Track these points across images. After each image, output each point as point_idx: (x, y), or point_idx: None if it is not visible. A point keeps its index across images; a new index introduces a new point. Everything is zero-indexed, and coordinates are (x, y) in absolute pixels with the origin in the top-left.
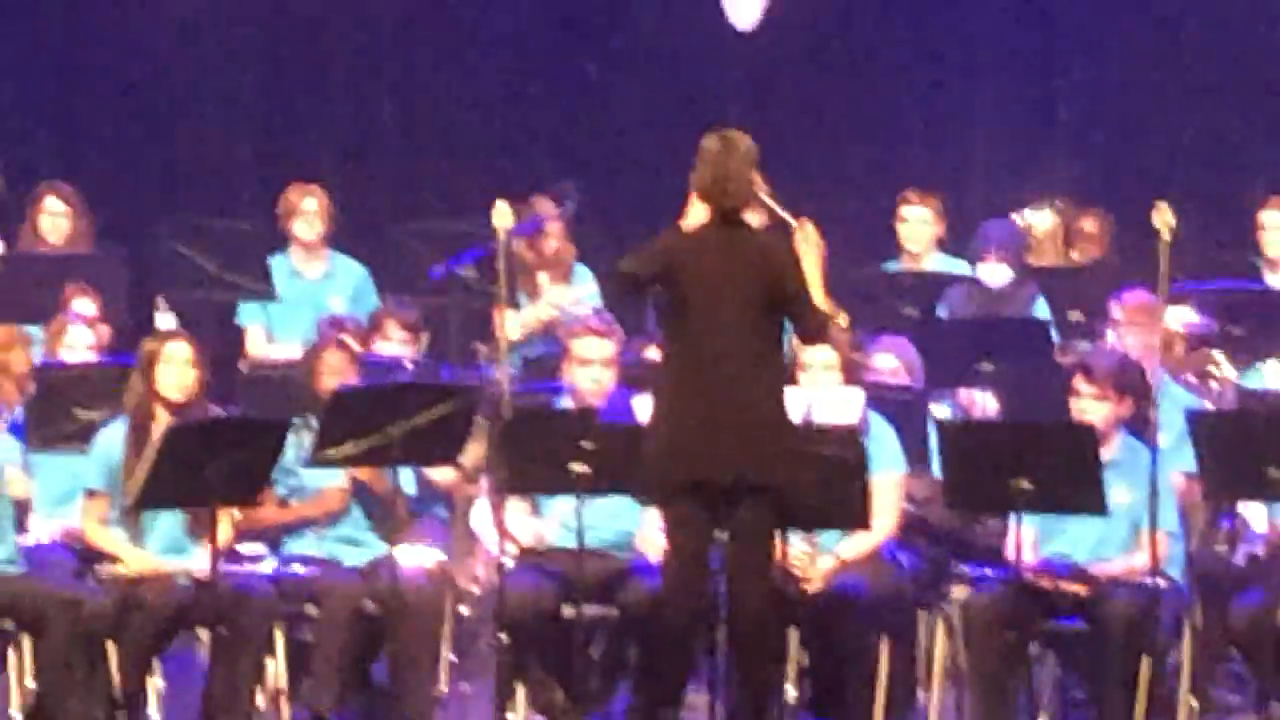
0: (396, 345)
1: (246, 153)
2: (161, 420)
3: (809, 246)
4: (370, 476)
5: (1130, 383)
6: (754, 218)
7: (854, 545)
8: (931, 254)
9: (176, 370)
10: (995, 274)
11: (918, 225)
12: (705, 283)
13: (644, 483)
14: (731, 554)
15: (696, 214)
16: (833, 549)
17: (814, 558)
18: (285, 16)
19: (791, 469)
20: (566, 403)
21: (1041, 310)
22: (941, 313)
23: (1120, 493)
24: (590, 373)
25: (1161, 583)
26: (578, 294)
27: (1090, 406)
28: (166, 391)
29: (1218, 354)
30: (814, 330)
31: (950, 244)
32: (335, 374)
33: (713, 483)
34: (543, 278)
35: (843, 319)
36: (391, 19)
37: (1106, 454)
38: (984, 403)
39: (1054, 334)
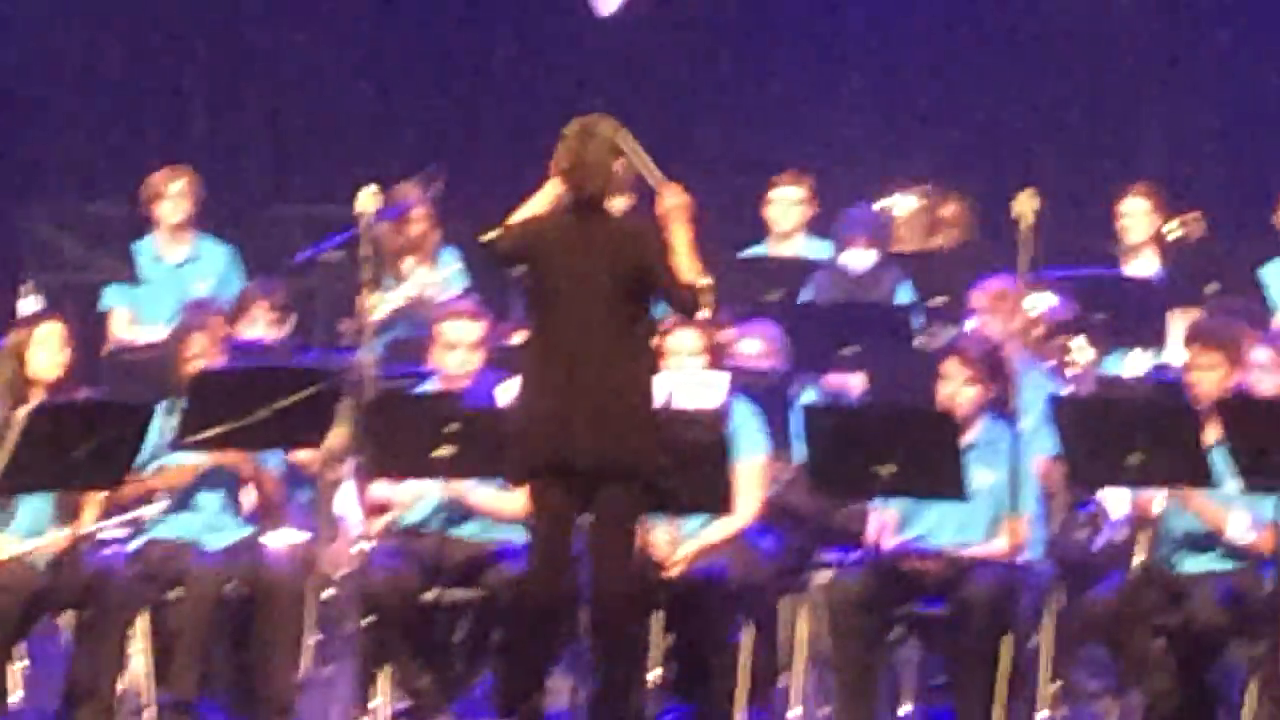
0: (263, 327)
1: (112, 136)
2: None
3: (676, 210)
4: (236, 460)
5: (996, 366)
6: (619, 202)
7: (717, 529)
8: (799, 237)
9: (48, 352)
10: (859, 259)
11: (787, 206)
12: (566, 268)
13: (507, 466)
14: (594, 538)
15: (546, 197)
16: (695, 533)
17: (676, 542)
18: (148, 4)
19: (654, 454)
20: (433, 386)
21: (905, 295)
22: (806, 297)
23: (983, 475)
24: (457, 356)
25: (1022, 565)
26: (443, 276)
27: (961, 390)
28: (41, 373)
29: (1078, 340)
30: (688, 303)
31: (814, 229)
32: (201, 356)
33: (574, 467)
34: (408, 262)
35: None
36: (256, 2)
37: (971, 437)
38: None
39: (916, 319)
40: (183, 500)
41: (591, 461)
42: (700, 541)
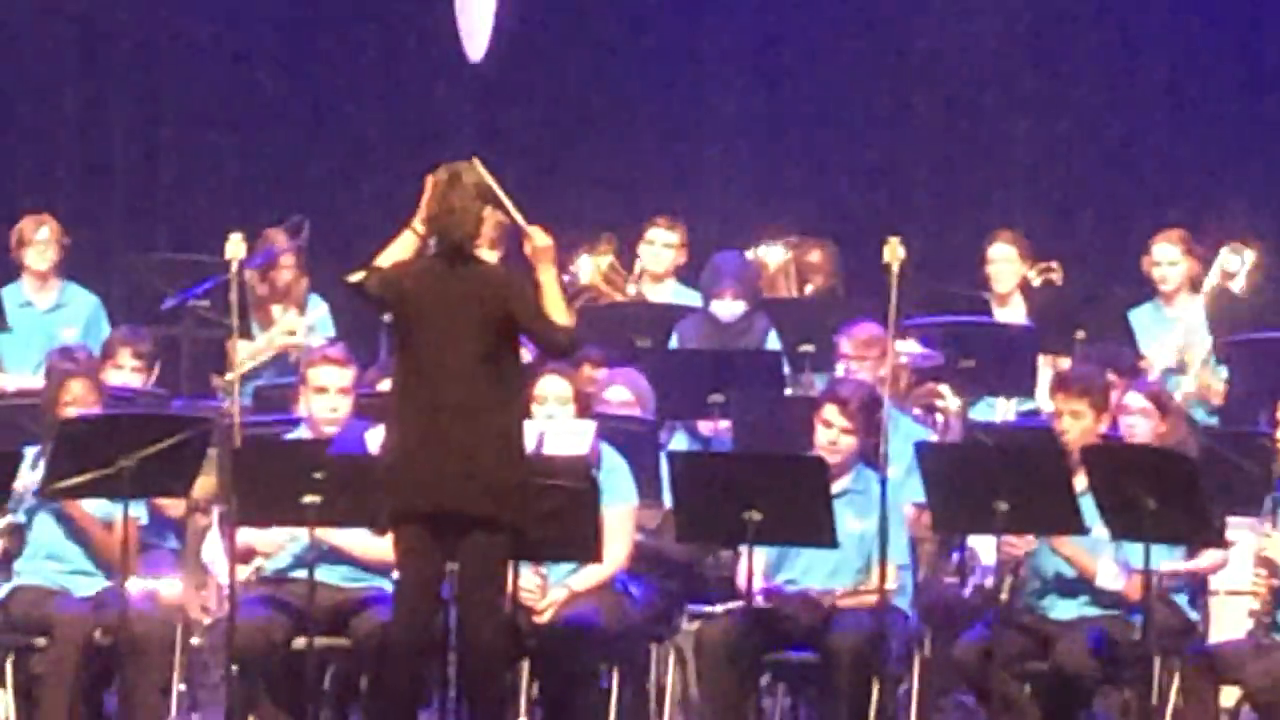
0: (128, 374)
1: None
2: None
3: (543, 252)
4: (81, 517)
5: (876, 417)
6: (489, 254)
7: (585, 577)
8: (670, 282)
9: None
10: (728, 308)
11: (660, 249)
12: (433, 315)
13: (375, 513)
14: (462, 584)
15: (408, 242)
16: (564, 580)
17: (544, 589)
18: (10, 42)
19: (521, 501)
20: (302, 433)
21: (773, 343)
22: (673, 345)
23: (853, 522)
24: (327, 401)
25: (891, 612)
26: (310, 322)
27: (839, 438)
28: None
29: (943, 387)
30: (558, 345)
31: (684, 277)
32: (78, 403)
33: (441, 514)
34: (276, 310)
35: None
36: (124, 49)
37: (843, 484)
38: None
39: (785, 366)
40: (48, 548)
41: (458, 508)
42: (569, 589)
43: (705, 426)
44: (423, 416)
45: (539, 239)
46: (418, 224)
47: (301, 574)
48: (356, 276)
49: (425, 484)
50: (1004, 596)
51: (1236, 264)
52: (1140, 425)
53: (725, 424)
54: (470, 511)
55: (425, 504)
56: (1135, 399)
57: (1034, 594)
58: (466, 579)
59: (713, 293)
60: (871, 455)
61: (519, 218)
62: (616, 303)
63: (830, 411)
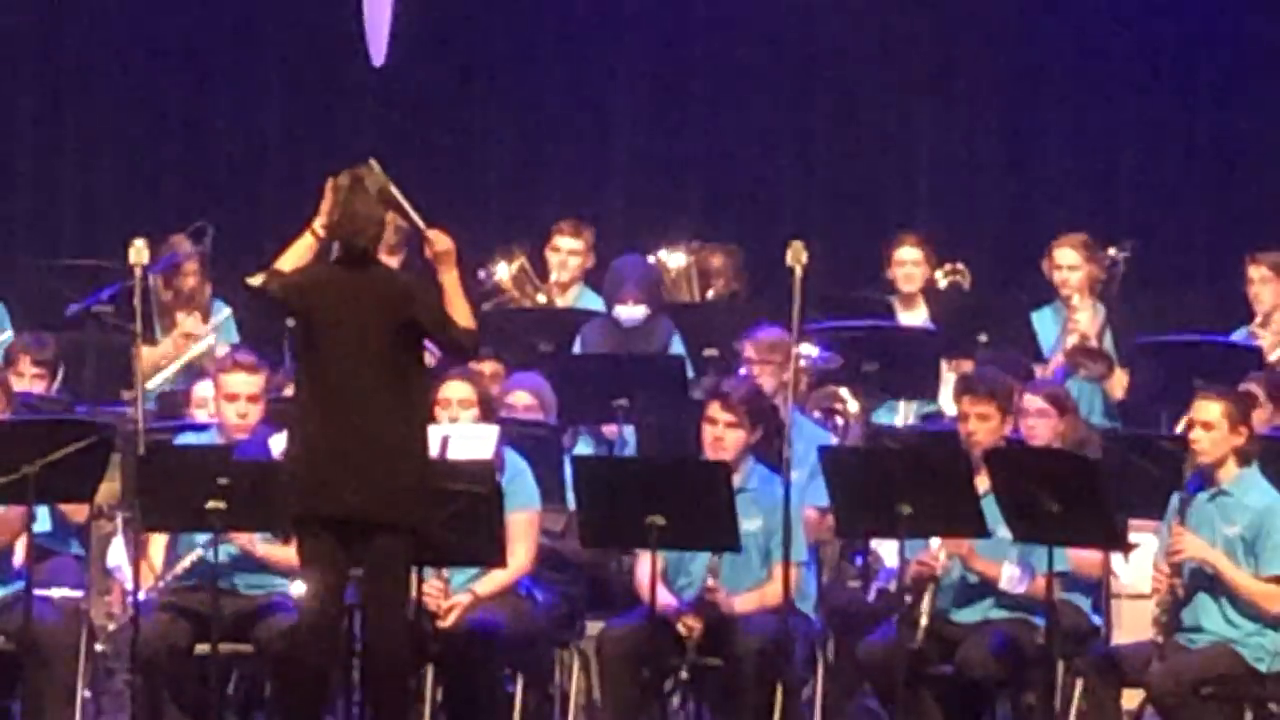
0: (29, 382)
1: None
2: None
3: (444, 255)
4: None
5: (761, 410)
6: (390, 259)
7: (489, 581)
8: (576, 288)
9: None
10: (631, 312)
11: (565, 256)
12: (335, 319)
13: (278, 518)
14: (366, 590)
15: (306, 246)
16: (468, 585)
17: (446, 593)
18: None
19: (424, 505)
20: (210, 438)
21: (677, 348)
22: (577, 349)
23: (751, 520)
24: (237, 408)
25: (795, 616)
26: (213, 325)
27: (725, 434)
28: None
29: (844, 390)
30: (458, 348)
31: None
32: None
33: (343, 518)
34: (180, 315)
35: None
36: (26, 54)
37: (737, 481)
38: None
39: (689, 370)
40: None
41: (360, 512)
42: (473, 593)
43: (609, 430)
44: (325, 421)
45: (440, 243)
46: (318, 227)
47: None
48: (257, 280)
49: (328, 489)
50: (924, 622)
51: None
52: (1040, 426)
53: (629, 428)
54: (373, 516)
55: (328, 509)
56: (1032, 400)
57: (941, 600)
58: (370, 583)
59: (615, 298)
60: (770, 455)
61: (419, 221)
62: (520, 308)
63: (713, 408)
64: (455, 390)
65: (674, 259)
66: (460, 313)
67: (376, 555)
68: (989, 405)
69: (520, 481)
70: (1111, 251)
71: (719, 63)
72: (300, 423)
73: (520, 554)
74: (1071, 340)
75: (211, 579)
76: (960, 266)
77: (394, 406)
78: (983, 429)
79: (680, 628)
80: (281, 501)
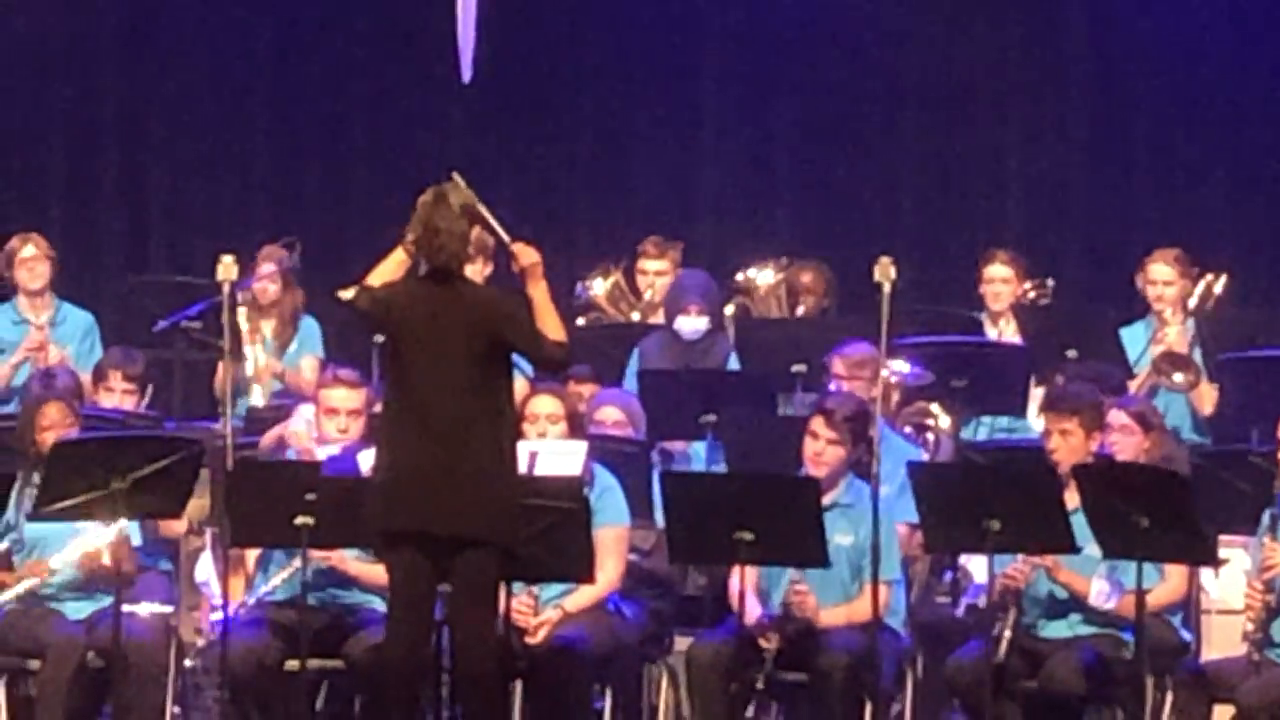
0: (119, 397)
1: None
2: None
3: (532, 269)
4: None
5: (863, 429)
6: (482, 270)
7: (578, 597)
8: None
9: None
10: (692, 325)
11: (653, 278)
12: (423, 336)
13: (366, 534)
14: (453, 606)
15: (395, 263)
16: (557, 600)
17: (536, 609)
18: (2, 64)
19: (512, 521)
20: (294, 454)
21: (734, 363)
22: (634, 363)
23: (843, 535)
24: (337, 423)
25: (884, 631)
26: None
27: (826, 450)
28: None
29: (934, 406)
30: (551, 362)
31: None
32: (55, 427)
33: (431, 535)
34: (267, 330)
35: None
36: (115, 72)
37: (832, 497)
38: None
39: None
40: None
41: (449, 530)
42: (562, 609)
43: (674, 446)
44: (413, 438)
45: (526, 256)
46: (409, 242)
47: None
48: (348, 293)
49: (416, 506)
50: (1008, 633)
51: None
52: (1124, 443)
53: (700, 444)
54: (462, 533)
55: (416, 526)
56: (1118, 416)
57: (1027, 614)
58: (458, 600)
59: (678, 309)
60: (861, 472)
61: (505, 235)
62: (611, 324)
63: (817, 423)
64: (543, 405)
65: (763, 276)
66: (550, 326)
67: (465, 572)
68: (1072, 422)
69: (609, 497)
70: (1208, 278)
71: (806, 79)
72: (388, 440)
73: (609, 569)
74: (1158, 350)
75: (301, 594)
76: (1048, 282)
77: (482, 423)
78: (1066, 445)
79: (760, 641)
80: (370, 519)
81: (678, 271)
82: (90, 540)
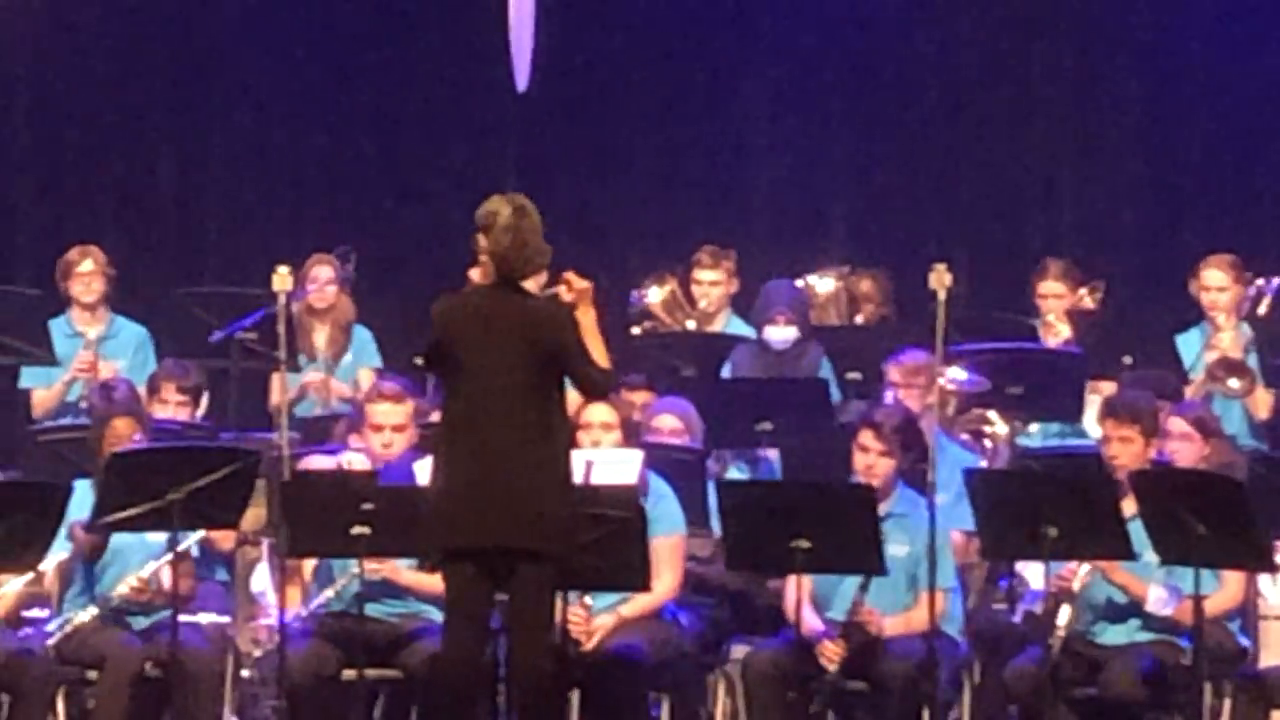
0: (173, 409)
1: (25, 219)
2: None
3: (583, 294)
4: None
5: (912, 438)
6: (530, 283)
7: (634, 605)
8: (723, 315)
9: None
10: (780, 335)
11: (707, 288)
12: (478, 346)
13: (421, 546)
14: (511, 616)
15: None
16: (613, 606)
17: (589, 620)
18: (58, 79)
19: (569, 532)
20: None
21: (826, 370)
22: (727, 374)
23: (897, 546)
24: (381, 438)
25: (941, 638)
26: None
27: (877, 461)
28: None
29: (991, 413)
30: (594, 385)
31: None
32: (122, 441)
33: (487, 546)
34: (321, 340)
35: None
36: (169, 83)
37: (885, 507)
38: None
39: (835, 393)
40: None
41: (504, 541)
42: (618, 614)
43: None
44: (470, 450)
45: (577, 283)
46: (489, 253)
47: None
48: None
49: (474, 520)
50: (1061, 633)
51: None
52: (1183, 449)
53: (773, 451)
54: (519, 545)
55: (471, 539)
56: (1177, 423)
57: (1085, 620)
58: (516, 611)
59: (765, 319)
60: (916, 479)
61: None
62: (668, 332)
63: (866, 436)
64: (598, 414)
65: (823, 284)
66: (598, 352)
67: (522, 583)
68: (1132, 429)
69: (664, 506)
70: (1259, 282)
71: (863, 87)
72: (444, 450)
73: (666, 579)
74: (1212, 356)
75: (358, 604)
76: (1098, 284)
77: (538, 433)
78: (1125, 452)
79: (820, 656)
80: (426, 532)
81: (733, 281)
82: (146, 568)
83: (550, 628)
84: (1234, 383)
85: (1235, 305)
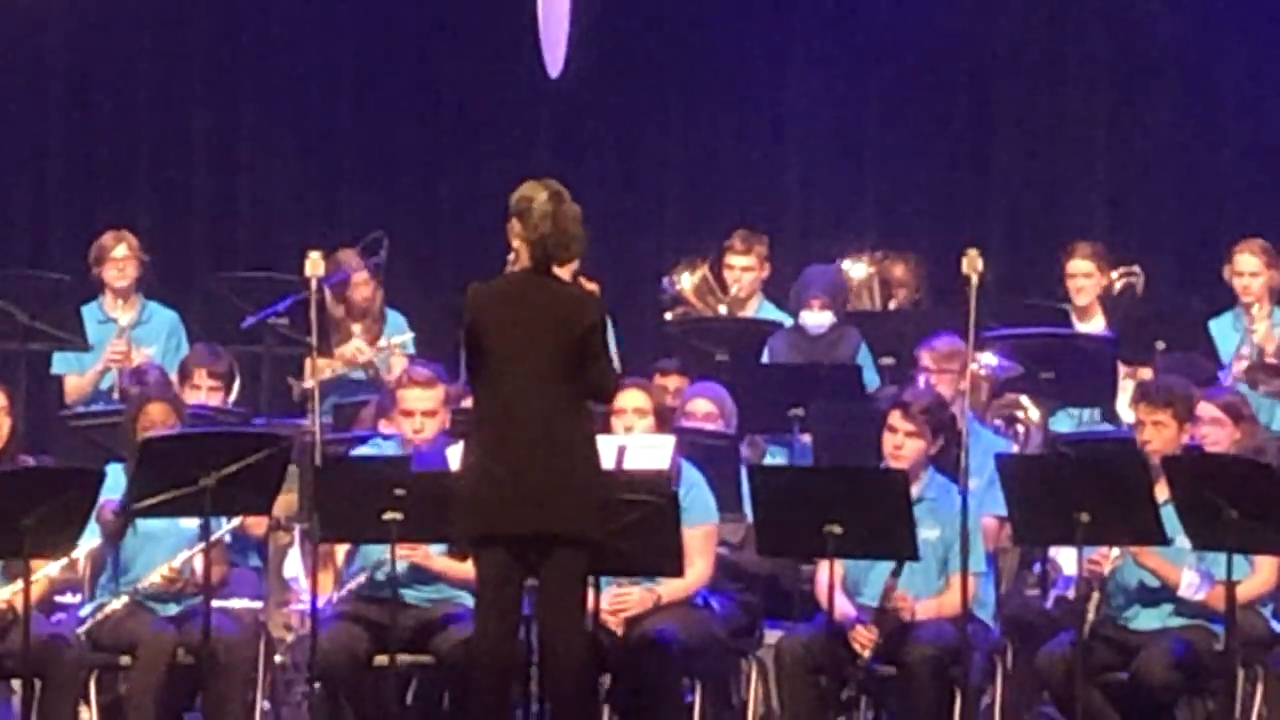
0: (204, 395)
1: (58, 205)
2: None
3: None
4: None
5: (942, 421)
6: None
7: (667, 589)
8: (755, 300)
9: None
10: (816, 319)
11: (740, 273)
12: (512, 332)
13: (453, 531)
14: (542, 602)
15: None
16: (650, 584)
17: (625, 594)
18: (92, 65)
19: (599, 519)
20: (390, 449)
21: (864, 356)
22: (765, 360)
23: (928, 530)
24: (413, 423)
25: (973, 624)
26: (380, 347)
27: (905, 443)
28: None
29: (1024, 398)
30: (602, 390)
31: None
32: (157, 425)
33: (518, 533)
34: (355, 328)
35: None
36: (202, 69)
37: (915, 490)
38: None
39: (874, 378)
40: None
41: (539, 528)
42: (656, 594)
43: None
44: (501, 436)
45: (587, 286)
46: (526, 239)
47: (384, 591)
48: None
49: (502, 505)
50: (1091, 616)
51: None
52: (1214, 435)
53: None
54: (550, 530)
55: (503, 525)
56: (1207, 408)
57: (1117, 605)
58: (547, 597)
59: (802, 304)
60: (948, 464)
61: None
62: (700, 317)
63: (894, 417)
64: (630, 399)
65: (856, 269)
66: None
67: (554, 569)
68: (1165, 413)
69: (696, 494)
70: None
71: (896, 72)
72: (475, 436)
73: (698, 566)
74: (1247, 350)
75: (390, 589)
76: (1135, 269)
77: (568, 418)
78: (1159, 437)
79: (853, 642)
80: (457, 519)
81: (765, 266)
82: (178, 557)
83: (583, 613)
84: (1273, 383)
85: (1269, 290)
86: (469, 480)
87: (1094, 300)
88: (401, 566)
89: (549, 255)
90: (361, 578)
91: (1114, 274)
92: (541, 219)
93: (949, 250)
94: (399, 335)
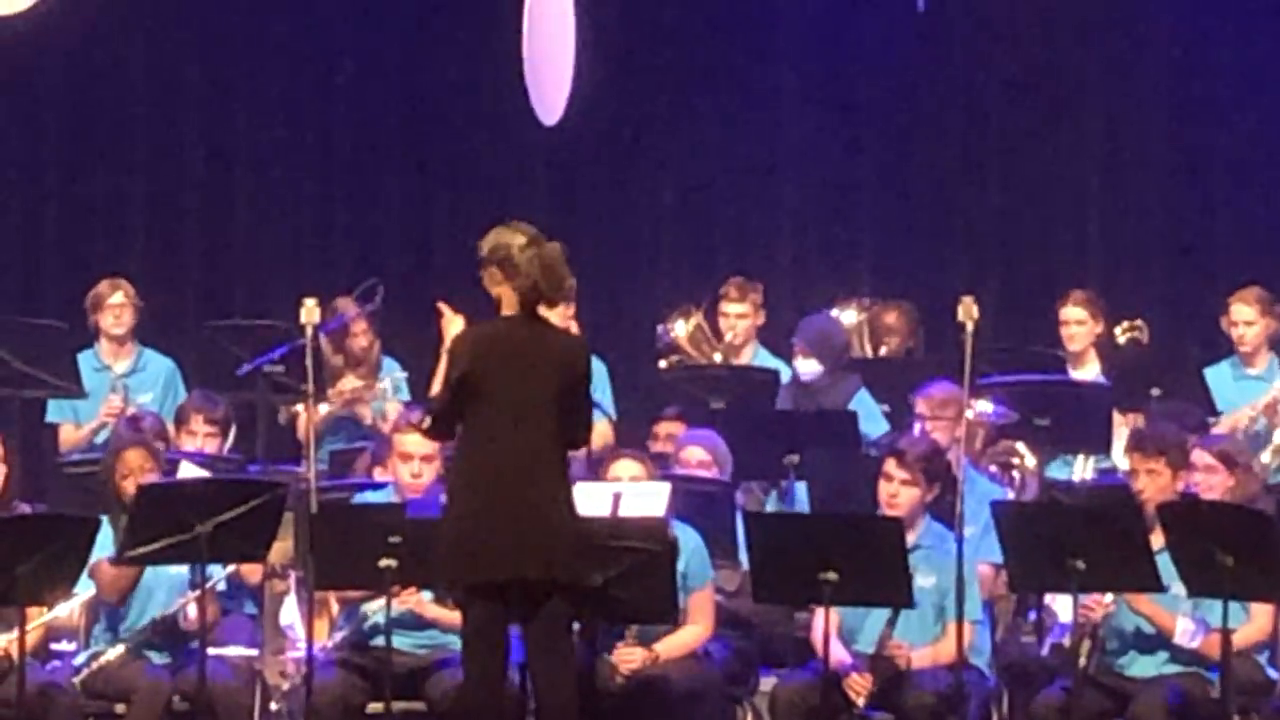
0: (201, 440)
1: (53, 251)
2: None
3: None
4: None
5: (937, 468)
6: (559, 314)
7: (669, 644)
8: (750, 348)
9: None
10: (805, 368)
11: (734, 321)
12: (502, 376)
13: (439, 578)
14: (531, 647)
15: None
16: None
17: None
18: (86, 108)
19: (582, 565)
20: (385, 496)
21: (867, 403)
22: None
23: (924, 577)
24: (410, 467)
25: (969, 671)
26: (379, 389)
27: (900, 490)
28: None
29: (1020, 445)
30: (578, 439)
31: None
32: (134, 474)
33: (502, 580)
34: (349, 375)
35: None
36: (198, 114)
37: (911, 537)
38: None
39: (883, 425)
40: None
41: (524, 573)
42: (654, 652)
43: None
44: (485, 480)
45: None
46: (519, 287)
47: (378, 640)
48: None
49: (485, 552)
50: (1083, 662)
51: None
52: (1209, 482)
53: (800, 484)
54: (537, 576)
55: (486, 572)
56: (1201, 456)
57: (1112, 651)
58: (537, 642)
59: (793, 352)
60: (944, 512)
61: None
62: (695, 365)
63: (890, 465)
64: (625, 469)
65: (846, 316)
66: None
67: (543, 615)
68: (1159, 461)
69: (693, 559)
70: None
71: (889, 120)
72: (460, 481)
73: (701, 625)
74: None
75: (385, 637)
76: (1139, 323)
77: (553, 463)
78: (1153, 485)
79: (848, 689)
80: (444, 570)
81: (760, 313)
82: (172, 605)
83: (572, 657)
84: None
85: (1266, 338)
86: (457, 525)
87: (1088, 347)
88: (396, 611)
89: (542, 299)
90: (348, 629)
91: (1118, 329)
92: (529, 265)
93: (944, 298)
94: (393, 373)
